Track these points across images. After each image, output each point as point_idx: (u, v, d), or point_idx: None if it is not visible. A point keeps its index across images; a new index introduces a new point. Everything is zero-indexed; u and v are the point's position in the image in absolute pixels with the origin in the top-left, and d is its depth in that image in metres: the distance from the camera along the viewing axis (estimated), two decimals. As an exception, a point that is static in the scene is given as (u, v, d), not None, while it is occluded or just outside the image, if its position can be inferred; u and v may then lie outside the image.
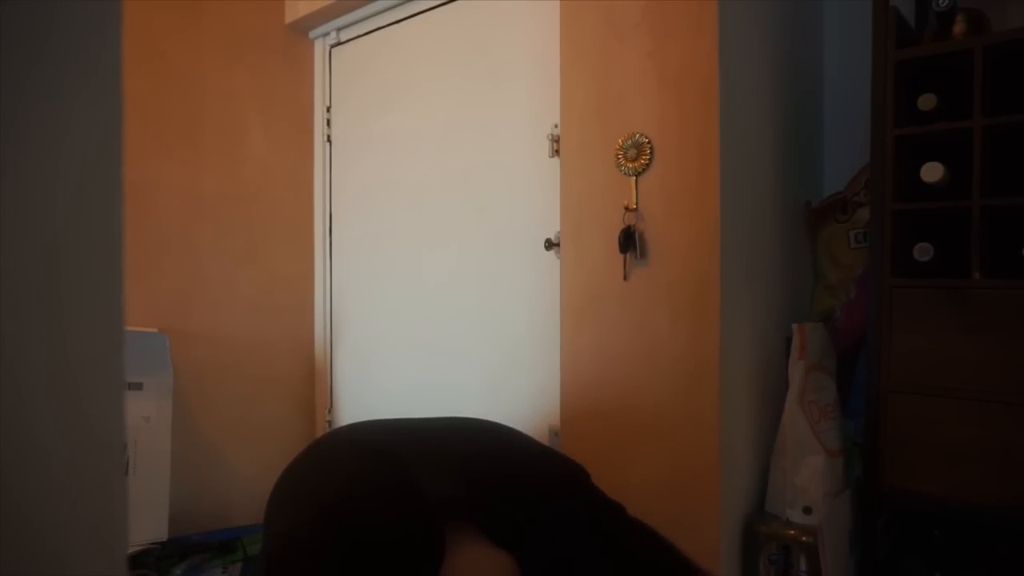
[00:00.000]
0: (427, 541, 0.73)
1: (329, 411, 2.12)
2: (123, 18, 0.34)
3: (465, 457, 0.88)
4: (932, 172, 1.17)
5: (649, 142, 1.28)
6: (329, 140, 2.14)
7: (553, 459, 0.97)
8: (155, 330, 1.75)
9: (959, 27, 1.20)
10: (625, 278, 1.31)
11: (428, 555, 0.73)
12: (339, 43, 2.10)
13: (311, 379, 2.17)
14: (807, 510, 1.26)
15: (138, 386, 1.64)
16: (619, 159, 1.32)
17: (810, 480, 1.28)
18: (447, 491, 0.79)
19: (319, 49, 2.15)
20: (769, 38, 1.43)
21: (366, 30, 2.01)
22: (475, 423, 1.02)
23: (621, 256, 1.30)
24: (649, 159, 1.28)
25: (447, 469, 0.84)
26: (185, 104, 1.86)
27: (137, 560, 1.53)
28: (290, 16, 2.07)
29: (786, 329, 1.42)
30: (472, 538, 0.77)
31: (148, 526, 1.59)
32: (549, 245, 1.53)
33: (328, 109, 2.14)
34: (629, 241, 1.28)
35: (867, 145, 1.26)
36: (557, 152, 1.48)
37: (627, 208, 1.30)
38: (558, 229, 1.45)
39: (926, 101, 1.19)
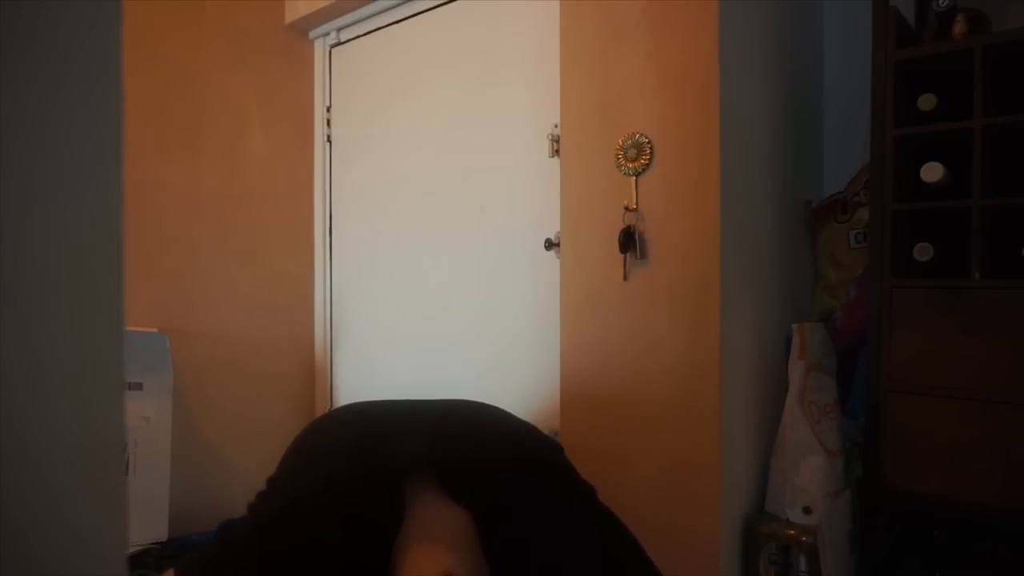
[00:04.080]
0: (391, 498, 0.80)
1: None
2: (123, 18, 0.34)
3: (439, 421, 0.92)
4: (932, 172, 1.17)
5: (649, 142, 1.28)
6: (329, 140, 2.14)
7: (525, 431, 0.97)
8: (155, 330, 1.75)
9: (959, 27, 1.20)
10: (625, 278, 1.31)
11: (391, 511, 0.79)
12: (339, 43, 2.10)
13: (311, 378, 2.17)
14: (807, 510, 1.26)
15: (138, 386, 1.64)
16: (619, 159, 1.32)
17: (810, 480, 1.28)
18: (412, 446, 0.85)
19: (319, 49, 2.15)
20: (769, 38, 1.43)
21: (366, 30, 2.01)
22: (465, 401, 1.03)
23: (621, 256, 1.30)
24: (649, 159, 1.28)
25: (419, 430, 0.89)
26: (185, 104, 1.86)
27: (137, 560, 1.53)
28: (290, 16, 2.07)
29: (786, 329, 1.42)
30: (431, 492, 0.82)
31: (148, 526, 1.59)
32: (549, 245, 1.53)
33: (328, 109, 2.14)
34: (629, 241, 1.28)
35: (867, 145, 1.26)
36: (557, 152, 1.48)
37: (627, 208, 1.30)
38: (558, 229, 1.45)
39: (926, 101, 1.19)
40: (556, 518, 0.84)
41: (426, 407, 0.98)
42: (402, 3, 1.89)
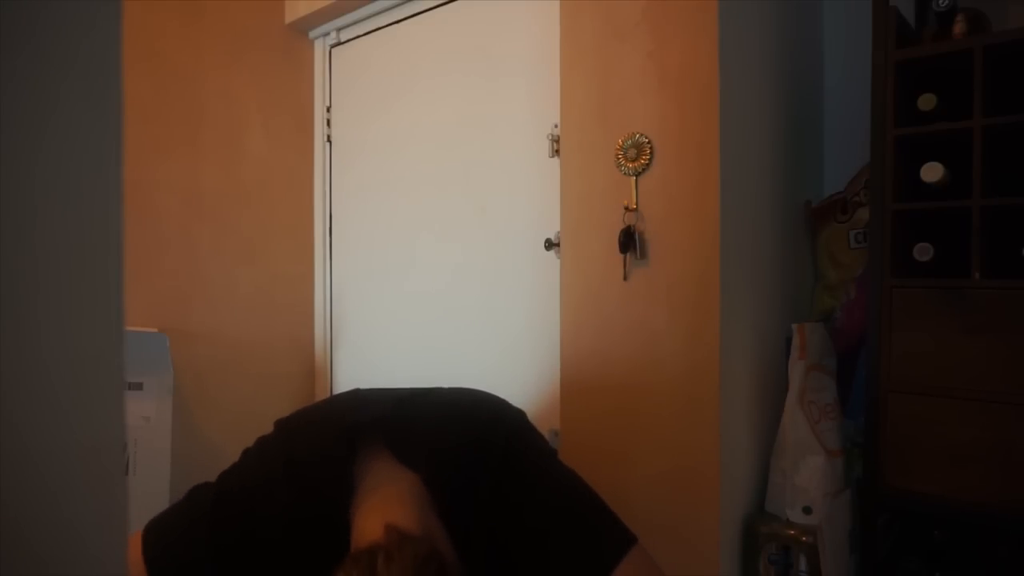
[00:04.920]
0: (342, 459, 0.82)
1: (329, 411, 2.12)
2: (123, 18, 0.34)
3: (407, 396, 0.93)
4: (932, 172, 1.17)
5: (649, 142, 1.28)
6: (329, 140, 2.14)
7: (485, 400, 0.97)
8: (155, 330, 1.75)
9: (959, 27, 1.20)
10: (625, 278, 1.31)
11: (342, 472, 0.82)
12: (339, 43, 2.10)
13: (311, 378, 2.17)
14: (807, 510, 1.26)
15: (138, 386, 1.64)
16: (619, 159, 1.32)
17: (810, 480, 1.28)
18: (369, 413, 0.87)
19: (319, 49, 2.15)
20: (769, 38, 1.43)
21: (366, 30, 2.01)
22: (451, 387, 1.04)
23: (621, 256, 1.30)
24: (649, 159, 1.28)
25: (385, 403, 0.91)
26: (185, 104, 1.86)
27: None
28: (290, 16, 2.07)
29: (786, 329, 1.42)
30: (382, 455, 0.84)
31: (148, 526, 1.58)
32: (549, 245, 1.53)
33: (328, 109, 2.14)
34: (629, 241, 1.28)
35: (867, 145, 1.26)
36: (557, 152, 1.48)
37: (627, 208, 1.30)
38: (558, 229, 1.45)
39: (926, 101, 1.19)
40: (492, 497, 0.84)
41: (410, 389, 0.99)
42: (402, 3, 1.89)
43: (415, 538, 0.73)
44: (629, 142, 1.30)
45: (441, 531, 0.79)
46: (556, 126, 1.49)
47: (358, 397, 0.98)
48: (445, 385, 1.02)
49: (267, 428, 0.97)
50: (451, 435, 0.88)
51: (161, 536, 0.84)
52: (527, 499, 0.85)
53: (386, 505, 0.78)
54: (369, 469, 0.83)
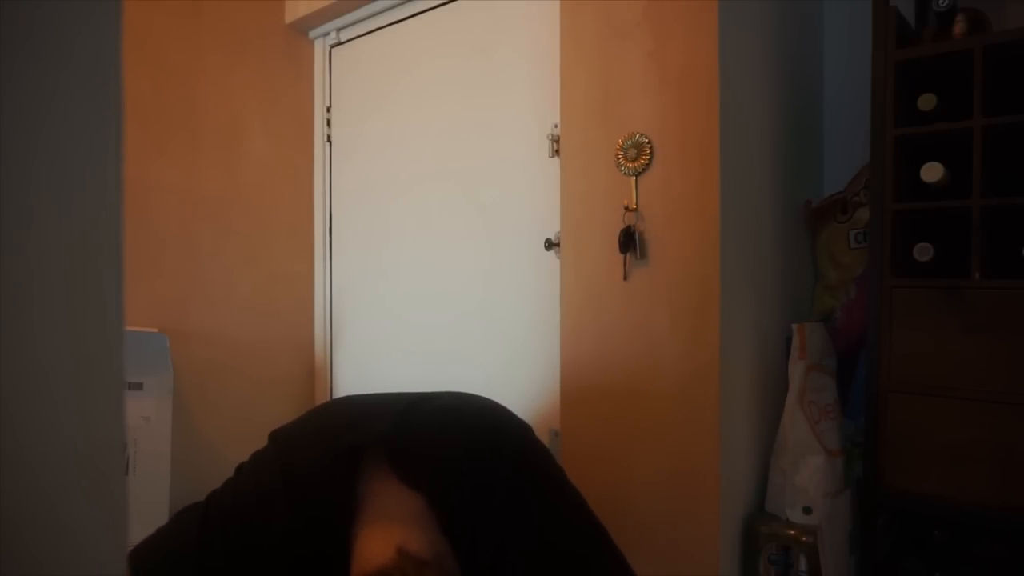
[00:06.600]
0: (344, 480, 0.81)
1: (329, 411, 2.12)
2: (123, 18, 0.34)
3: (407, 408, 0.90)
4: (932, 172, 1.17)
5: (649, 142, 1.28)
6: (329, 140, 2.14)
7: (488, 407, 0.95)
8: (155, 330, 1.75)
9: (959, 27, 1.20)
10: (625, 278, 1.31)
11: (344, 493, 0.80)
12: (339, 43, 2.10)
13: (311, 379, 2.17)
14: (807, 510, 1.26)
15: (138, 386, 1.64)
16: (619, 159, 1.32)
17: (810, 480, 1.28)
18: (370, 430, 0.85)
19: (319, 49, 2.15)
20: (769, 38, 1.43)
21: (366, 30, 2.01)
22: (449, 392, 1.01)
23: (621, 256, 1.30)
24: (649, 159, 1.28)
25: (385, 416, 0.87)
26: (185, 104, 1.86)
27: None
28: (290, 16, 2.07)
29: (786, 329, 1.42)
30: (384, 475, 0.81)
31: (148, 526, 1.58)
32: (549, 245, 1.53)
33: (328, 109, 2.14)
34: (629, 241, 1.28)
35: (867, 145, 1.26)
36: (557, 152, 1.48)
37: (627, 208, 1.30)
38: (558, 229, 1.45)
39: (926, 101, 1.19)
40: (505, 509, 0.82)
41: (406, 396, 0.96)
42: (402, 3, 1.89)
43: (429, 564, 0.72)
44: (629, 142, 1.30)
45: (448, 551, 0.78)
46: (556, 126, 1.49)
47: (354, 408, 0.95)
48: (444, 387, 1.00)
49: (267, 429, 0.97)
50: (455, 447, 0.85)
51: (145, 559, 0.83)
52: (548, 517, 0.83)
53: (393, 527, 0.77)
54: (371, 489, 0.81)
